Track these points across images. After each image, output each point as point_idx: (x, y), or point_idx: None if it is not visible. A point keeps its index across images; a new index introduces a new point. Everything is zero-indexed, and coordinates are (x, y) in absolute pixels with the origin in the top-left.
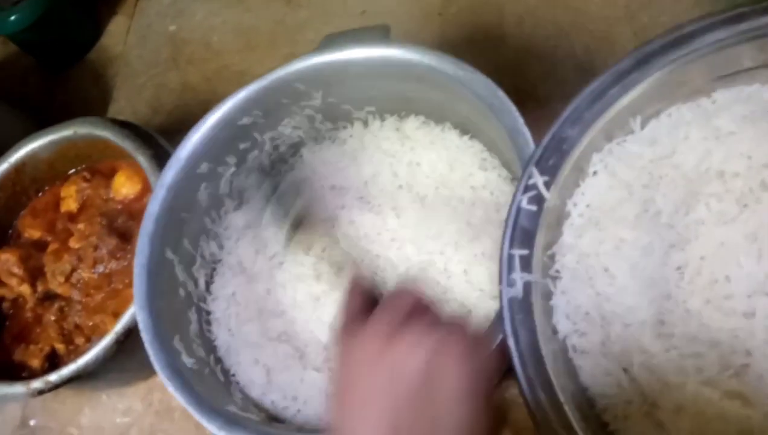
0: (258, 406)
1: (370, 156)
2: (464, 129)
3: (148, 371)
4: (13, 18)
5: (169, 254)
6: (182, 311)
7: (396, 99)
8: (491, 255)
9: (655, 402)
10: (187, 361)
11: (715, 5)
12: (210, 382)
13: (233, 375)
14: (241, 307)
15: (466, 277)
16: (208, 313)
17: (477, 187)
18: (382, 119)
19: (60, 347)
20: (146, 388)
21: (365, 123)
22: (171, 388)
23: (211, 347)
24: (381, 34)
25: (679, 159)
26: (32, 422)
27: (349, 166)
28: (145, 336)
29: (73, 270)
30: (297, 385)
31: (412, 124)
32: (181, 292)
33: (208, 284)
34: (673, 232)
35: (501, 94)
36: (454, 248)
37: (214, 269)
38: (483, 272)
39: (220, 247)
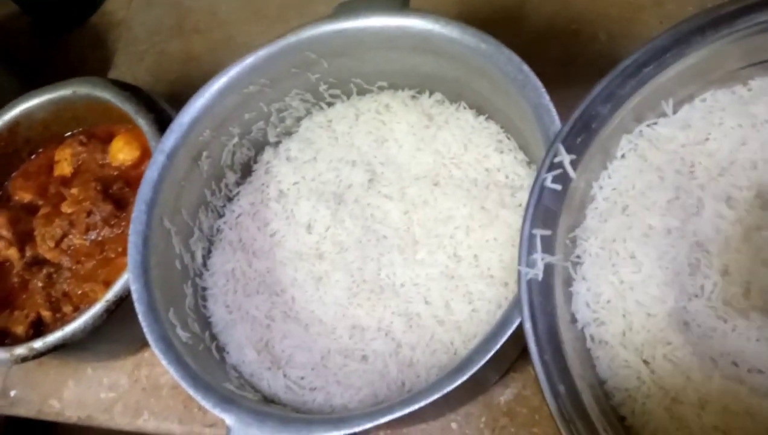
0: (253, 386)
1: (379, 132)
2: (480, 109)
3: (137, 345)
4: None
5: (167, 223)
6: (177, 284)
7: (410, 74)
8: (504, 241)
9: (677, 397)
10: (182, 335)
11: None
12: (204, 358)
13: (228, 353)
14: (240, 284)
15: (476, 263)
16: (204, 288)
17: (492, 170)
18: (395, 94)
19: (46, 314)
20: (134, 362)
21: (376, 97)
22: (165, 362)
23: (206, 323)
24: (399, 3)
25: (713, 146)
26: (12, 393)
27: (357, 141)
28: (139, 307)
29: (64, 235)
30: (295, 366)
31: (426, 101)
32: (177, 264)
33: (204, 259)
34: (704, 221)
35: (526, 68)
36: (465, 232)
37: (211, 243)
38: (494, 258)
39: (220, 221)
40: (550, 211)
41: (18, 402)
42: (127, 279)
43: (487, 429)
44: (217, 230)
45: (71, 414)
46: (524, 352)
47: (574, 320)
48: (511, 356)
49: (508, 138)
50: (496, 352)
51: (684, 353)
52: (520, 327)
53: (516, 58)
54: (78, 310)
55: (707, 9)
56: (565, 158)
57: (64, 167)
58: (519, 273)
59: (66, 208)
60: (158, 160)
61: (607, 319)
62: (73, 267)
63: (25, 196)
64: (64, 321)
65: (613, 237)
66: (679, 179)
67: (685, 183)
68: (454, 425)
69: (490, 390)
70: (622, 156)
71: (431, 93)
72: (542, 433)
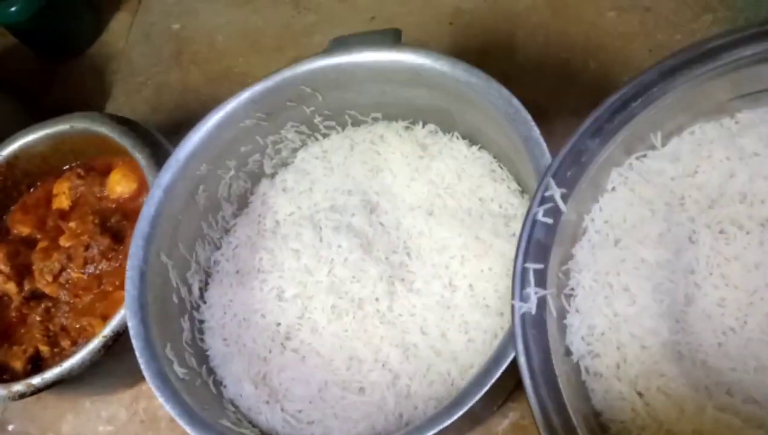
0: (250, 421)
1: (374, 163)
2: (473, 139)
3: (135, 378)
4: (14, 9)
5: (164, 258)
6: (175, 319)
7: (403, 106)
8: (499, 271)
9: (671, 429)
10: (179, 371)
11: (733, 24)
12: (202, 393)
13: (225, 387)
14: (237, 316)
15: (472, 292)
16: (201, 321)
17: (485, 199)
18: (389, 125)
19: (44, 349)
20: (132, 395)
21: (371, 129)
22: (162, 399)
23: (203, 357)
24: (392, 38)
25: (702, 179)
26: (11, 427)
27: (352, 172)
28: (136, 343)
29: (62, 269)
30: (292, 399)
31: (420, 132)
32: (175, 298)
33: (201, 292)
34: (696, 253)
35: (516, 102)
36: (460, 262)
37: (208, 276)
38: (489, 288)
39: (217, 253)
40: (542, 245)
41: None
42: (124, 314)
43: None
44: (214, 262)
45: None
46: (521, 382)
47: (568, 353)
48: (508, 387)
49: (501, 167)
50: (492, 385)
51: (678, 385)
52: (514, 362)
53: (505, 92)
54: (76, 344)
55: (693, 43)
56: (556, 192)
57: (62, 200)
58: (512, 308)
59: (64, 241)
60: (155, 195)
61: (602, 352)
62: (71, 301)
63: (23, 230)
64: (62, 356)
65: (606, 270)
66: (669, 212)
67: (676, 216)
68: None
69: (487, 420)
70: (613, 189)
71: (425, 124)
72: None
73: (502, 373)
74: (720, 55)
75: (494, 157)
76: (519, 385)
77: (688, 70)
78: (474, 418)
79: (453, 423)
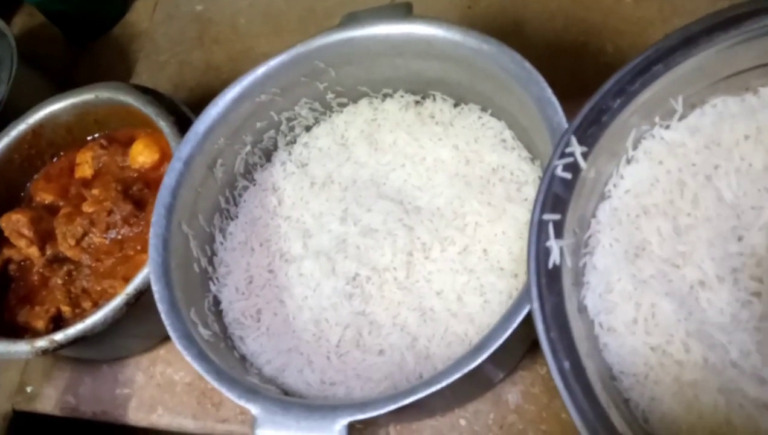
0: (274, 384)
1: (387, 136)
2: (484, 109)
3: (153, 341)
4: None
5: (185, 228)
6: (196, 287)
7: (414, 80)
8: (512, 234)
9: (696, 381)
10: (204, 332)
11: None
12: (226, 356)
13: (246, 354)
14: (252, 288)
15: (486, 257)
16: (219, 292)
17: (497, 168)
18: (400, 100)
19: (66, 310)
20: (149, 359)
21: (382, 102)
22: (188, 358)
23: (224, 325)
24: (403, 11)
25: (725, 151)
26: (29, 389)
27: (363, 148)
28: (162, 306)
29: (85, 234)
30: (313, 363)
31: (431, 105)
32: (196, 267)
33: (219, 263)
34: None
35: (528, 65)
36: (474, 228)
37: (224, 249)
38: (503, 251)
39: (232, 225)
40: (560, 199)
41: (35, 398)
42: (146, 273)
43: (496, 425)
44: (230, 235)
45: (86, 409)
46: (531, 349)
47: (581, 308)
48: (518, 352)
49: (512, 136)
50: (506, 340)
51: (700, 340)
52: (528, 317)
53: (518, 56)
54: (97, 305)
55: (716, 11)
56: (577, 149)
57: (85, 169)
58: (528, 255)
59: (87, 207)
60: (176, 167)
61: (619, 308)
62: (93, 264)
63: (46, 198)
64: (83, 316)
65: (632, 235)
66: (698, 186)
67: (707, 191)
68: (462, 422)
69: (498, 387)
70: (635, 157)
71: (435, 96)
72: (550, 429)
73: (516, 332)
74: (743, 24)
75: (506, 125)
76: (529, 351)
77: (710, 37)
78: (485, 381)
79: (470, 374)
